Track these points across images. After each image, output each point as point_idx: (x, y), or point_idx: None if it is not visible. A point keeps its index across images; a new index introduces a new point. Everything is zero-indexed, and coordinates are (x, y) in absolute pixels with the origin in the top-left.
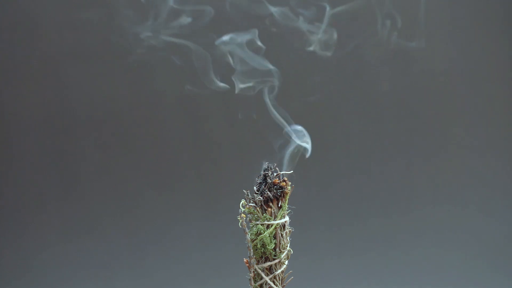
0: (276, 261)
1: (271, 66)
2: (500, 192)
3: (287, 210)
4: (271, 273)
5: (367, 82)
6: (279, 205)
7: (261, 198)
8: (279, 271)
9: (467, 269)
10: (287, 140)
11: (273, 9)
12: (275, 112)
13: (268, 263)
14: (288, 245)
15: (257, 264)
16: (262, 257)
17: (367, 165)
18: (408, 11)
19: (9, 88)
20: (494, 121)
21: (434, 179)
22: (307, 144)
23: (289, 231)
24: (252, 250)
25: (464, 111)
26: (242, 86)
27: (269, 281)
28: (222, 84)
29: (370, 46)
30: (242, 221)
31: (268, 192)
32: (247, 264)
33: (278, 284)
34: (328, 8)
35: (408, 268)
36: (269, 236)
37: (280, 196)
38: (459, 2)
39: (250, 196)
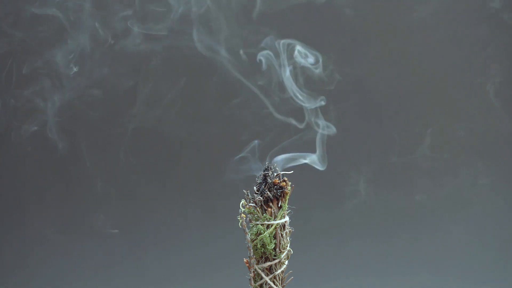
0: (276, 261)
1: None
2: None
3: (287, 210)
4: (271, 273)
5: (366, 81)
6: (279, 205)
7: (261, 198)
8: (279, 271)
9: (468, 266)
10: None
11: None
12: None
13: (268, 263)
14: (288, 245)
15: (257, 264)
16: (262, 257)
17: (368, 164)
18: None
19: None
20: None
21: (435, 179)
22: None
23: (289, 231)
24: (252, 250)
25: (464, 110)
26: None
27: (269, 281)
28: None
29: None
30: (242, 221)
31: (268, 192)
32: (247, 264)
33: (278, 284)
34: None
35: (409, 267)
36: (269, 236)
37: (280, 196)
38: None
39: (250, 196)
